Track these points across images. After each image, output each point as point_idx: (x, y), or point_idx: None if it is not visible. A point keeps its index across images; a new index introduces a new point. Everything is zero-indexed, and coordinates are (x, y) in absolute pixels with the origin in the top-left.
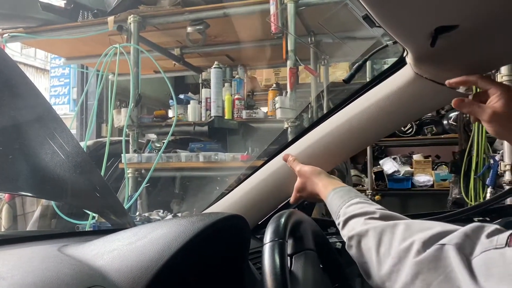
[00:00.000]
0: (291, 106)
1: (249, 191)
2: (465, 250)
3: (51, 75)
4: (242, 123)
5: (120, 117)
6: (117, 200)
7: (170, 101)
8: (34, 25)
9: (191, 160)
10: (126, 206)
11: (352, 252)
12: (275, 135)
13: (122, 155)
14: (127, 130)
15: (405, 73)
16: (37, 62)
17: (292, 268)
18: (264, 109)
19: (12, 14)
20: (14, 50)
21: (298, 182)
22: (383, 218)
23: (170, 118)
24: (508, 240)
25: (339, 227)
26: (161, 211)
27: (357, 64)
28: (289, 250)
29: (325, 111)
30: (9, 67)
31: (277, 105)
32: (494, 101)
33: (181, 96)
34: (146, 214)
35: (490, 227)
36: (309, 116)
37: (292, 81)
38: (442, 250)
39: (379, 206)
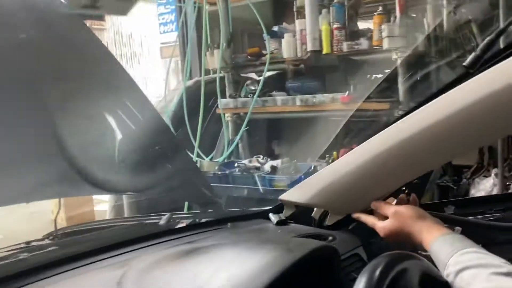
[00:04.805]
0: (401, 33)
1: (345, 175)
2: None
3: (158, 2)
4: (343, 57)
5: (214, 59)
6: (208, 186)
7: (264, 35)
8: None
9: (287, 104)
10: (227, 152)
11: None
12: (382, 70)
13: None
14: (221, 72)
15: None
16: None
17: None
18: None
19: None
20: None
21: (390, 224)
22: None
23: (265, 55)
24: None
25: (449, 279)
26: (261, 157)
27: (485, 40)
28: None
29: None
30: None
31: (384, 34)
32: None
33: (275, 28)
34: (246, 162)
35: None
36: (423, 49)
37: (403, 2)
38: None
39: (502, 260)
